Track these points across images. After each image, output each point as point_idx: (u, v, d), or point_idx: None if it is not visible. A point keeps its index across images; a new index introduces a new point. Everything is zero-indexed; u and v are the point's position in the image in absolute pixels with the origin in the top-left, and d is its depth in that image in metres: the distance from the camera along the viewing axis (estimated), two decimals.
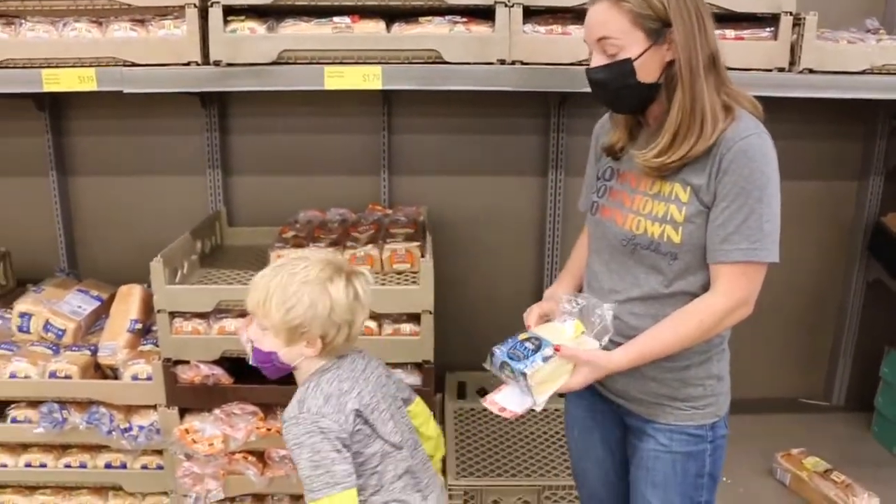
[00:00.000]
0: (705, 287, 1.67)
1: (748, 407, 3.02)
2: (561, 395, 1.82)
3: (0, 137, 3.28)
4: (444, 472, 2.64)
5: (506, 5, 2.26)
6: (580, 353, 1.69)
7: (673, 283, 1.69)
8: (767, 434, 3.03)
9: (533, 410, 1.70)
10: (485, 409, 3.02)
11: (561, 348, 1.68)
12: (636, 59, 1.60)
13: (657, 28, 1.58)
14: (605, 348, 1.72)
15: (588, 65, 1.70)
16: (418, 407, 2.11)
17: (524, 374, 1.67)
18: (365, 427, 1.81)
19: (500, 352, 1.72)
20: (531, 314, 1.89)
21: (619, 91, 1.67)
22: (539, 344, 1.70)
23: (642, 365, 1.71)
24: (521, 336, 1.75)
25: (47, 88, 2.35)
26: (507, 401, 1.73)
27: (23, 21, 2.40)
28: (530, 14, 2.32)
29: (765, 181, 1.58)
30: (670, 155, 1.62)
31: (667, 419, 1.77)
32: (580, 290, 1.94)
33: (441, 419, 2.95)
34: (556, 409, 3.06)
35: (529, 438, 2.92)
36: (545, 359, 1.68)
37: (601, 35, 1.63)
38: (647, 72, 1.62)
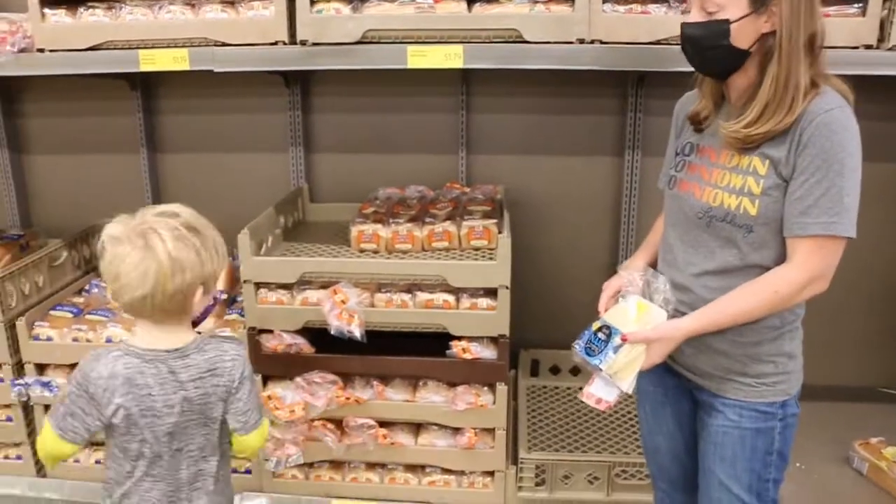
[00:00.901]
0: (779, 262, 1.68)
1: (824, 394, 2.98)
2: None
3: (95, 116, 3.43)
4: (515, 445, 2.69)
5: None
6: (648, 332, 1.74)
7: (747, 257, 1.70)
8: (843, 422, 2.97)
9: (627, 394, 1.77)
10: (556, 387, 3.12)
11: (628, 336, 1.74)
12: (734, 21, 1.61)
13: None
14: (673, 316, 1.76)
15: (683, 25, 1.72)
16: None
17: (600, 369, 1.74)
18: None
19: (578, 346, 1.81)
20: (603, 297, 1.93)
21: (709, 50, 1.68)
22: (609, 333, 1.76)
23: (713, 331, 1.73)
24: (594, 326, 1.81)
25: (144, 68, 2.46)
26: (599, 391, 1.80)
27: (123, 5, 2.52)
28: None
29: (845, 156, 1.58)
30: (757, 127, 1.63)
31: (736, 395, 1.78)
32: (656, 263, 1.96)
33: (514, 395, 2.99)
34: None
35: (600, 417, 2.94)
36: (615, 349, 1.75)
37: None
38: (742, 37, 1.62)
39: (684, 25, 1.71)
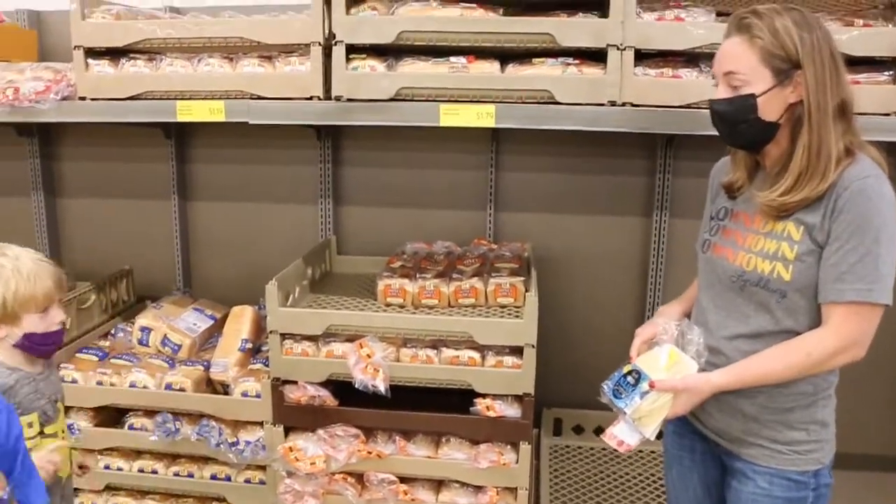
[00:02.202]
0: (813, 328, 1.67)
1: (856, 463, 2.93)
2: (658, 437, 1.85)
3: (130, 163, 3.50)
4: None
5: (618, 48, 2.29)
6: (676, 382, 1.73)
7: (781, 322, 1.69)
8: (877, 493, 2.92)
9: (647, 440, 1.77)
10: (580, 447, 3.08)
11: (656, 383, 1.74)
12: (759, 95, 1.63)
13: (786, 69, 1.61)
14: (703, 370, 1.74)
15: (711, 98, 1.74)
16: None
17: (625, 412, 1.74)
18: None
19: (606, 387, 1.81)
20: (635, 342, 1.92)
21: (738, 125, 1.69)
22: (638, 378, 1.76)
23: (742, 390, 1.72)
24: (625, 369, 1.82)
25: (181, 118, 2.51)
26: (622, 433, 1.80)
27: (163, 56, 2.58)
28: (641, 57, 2.34)
29: (881, 222, 1.58)
30: (793, 195, 1.63)
31: (768, 462, 1.76)
32: (688, 317, 1.95)
33: (536, 454, 2.96)
34: (651, 451, 3.04)
35: (624, 479, 2.91)
36: (642, 395, 1.75)
37: (729, 69, 1.67)
38: (769, 110, 1.64)
39: (712, 102, 1.73)
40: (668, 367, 1.76)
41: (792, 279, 1.65)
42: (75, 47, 2.58)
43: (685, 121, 2.28)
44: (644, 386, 1.75)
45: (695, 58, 2.36)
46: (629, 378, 1.79)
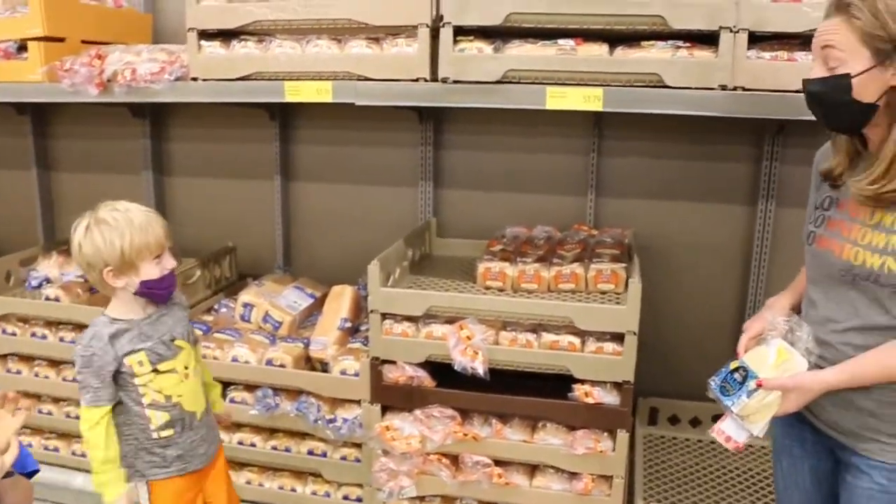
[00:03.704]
0: None
1: None
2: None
3: (236, 144, 3.59)
4: (631, 495, 2.62)
5: (731, 31, 2.23)
6: (785, 380, 1.69)
7: (895, 316, 1.62)
8: None
9: (758, 437, 1.74)
10: (675, 437, 3.04)
11: (764, 382, 1.70)
12: (855, 75, 1.55)
13: (887, 49, 1.53)
14: (814, 368, 1.70)
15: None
16: None
17: (732, 410, 1.70)
18: None
19: (713, 384, 1.79)
20: (743, 338, 1.87)
21: (831, 106, 1.63)
22: (746, 375, 1.74)
23: (855, 387, 1.66)
24: (732, 365, 1.78)
25: (289, 99, 2.56)
26: (731, 430, 1.77)
27: (273, 38, 2.63)
28: (755, 40, 2.27)
29: None
30: (884, 184, 1.57)
31: (884, 457, 1.70)
32: (798, 308, 1.90)
33: (630, 443, 2.92)
34: (748, 446, 2.96)
35: (720, 472, 2.85)
36: (749, 393, 1.71)
37: (826, 43, 1.59)
38: (865, 91, 1.56)
39: (805, 81, 1.67)
40: (777, 364, 1.72)
41: None
42: (189, 29, 2.65)
43: (798, 106, 2.17)
44: (752, 384, 1.71)
45: (810, 40, 2.24)
46: (736, 375, 1.75)
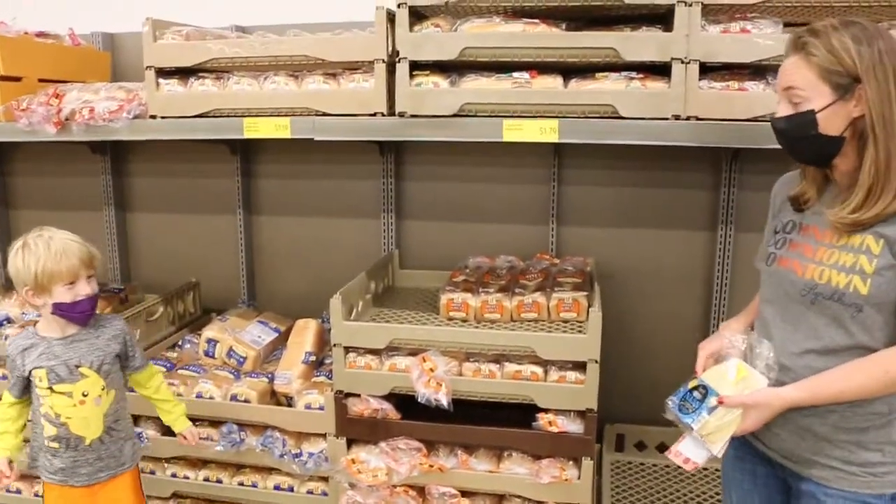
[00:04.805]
0: (890, 344, 1.63)
1: None
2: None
3: (197, 179, 3.59)
4: None
5: (682, 62, 2.27)
6: (746, 397, 1.71)
7: (855, 336, 1.65)
8: None
9: (716, 458, 1.75)
10: (642, 463, 3.05)
11: (725, 399, 1.71)
12: (819, 111, 1.61)
13: (846, 83, 1.58)
14: (772, 385, 1.71)
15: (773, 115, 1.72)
16: None
17: (691, 428, 1.72)
18: None
19: (672, 403, 1.79)
20: (700, 356, 1.89)
21: (799, 141, 1.67)
22: (705, 393, 1.74)
23: (812, 407, 1.68)
24: (691, 384, 1.79)
25: (248, 135, 2.57)
26: (689, 450, 1.77)
27: (230, 75, 2.64)
28: (706, 70, 2.32)
29: None
30: (864, 212, 1.60)
31: (840, 484, 1.71)
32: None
33: (598, 470, 2.93)
34: (716, 469, 2.98)
35: (688, 498, 2.86)
36: (710, 410, 1.73)
37: (788, 85, 1.65)
38: (831, 125, 1.61)
39: (773, 120, 1.72)
40: (737, 381, 1.73)
41: (869, 293, 1.61)
42: (147, 67, 2.66)
43: (751, 134, 2.24)
44: (712, 401, 1.72)
45: (761, 70, 2.31)
46: (696, 393, 1.76)
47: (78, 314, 2.27)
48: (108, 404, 2.35)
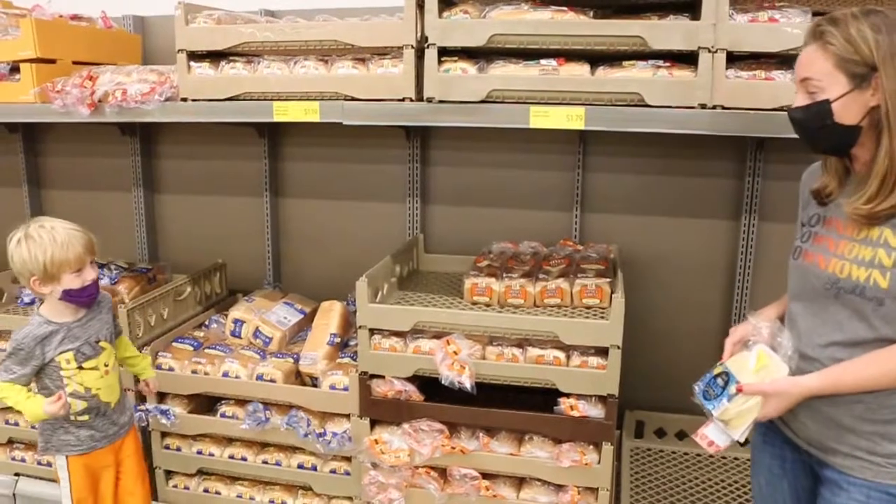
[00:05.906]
0: None
1: None
2: (742, 444, 1.86)
3: (225, 160, 3.63)
4: None
5: (709, 51, 2.27)
6: (765, 386, 1.72)
7: (879, 330, 1.65)
8: None
9: (736, 442, 1.78)
10: (661, 450, 3.07)
11: (744, 387, 1.73)
12: (835, 100, 1.61)
13: (863, 73, 1.58)
14: (794, 373, 1.73)
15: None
16: None
17: (713, 414, 1.74)
18: None
19: (697, 388, 1.81)
20: (728, 342, 1.90)
21: (816, 131, 1.68)
22: (727, 380, 1.76)
23: (833, 395, 1.69)
24: (715, 370, 1.82)
25: (277, 118, 2.60)
26: (713, 434, 1.80)
27: (261, 59, 2.68)
28: (734, 59, 2.32)
29: None
30: (878, 203, 1.61)
31: (864, 474, 1.72)
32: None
33: (617, 456, 2.95)
34: (734, 458, 3.01)
35: (707, 485, 2.88)
36: (730, 398, 1.74)
37: (805, 75, 1.66)
38: (847, 114, 1.62)
39: (789, 110, 1.73)
40: (758, 369, 1.75)
41: (889, 287, 1.61)
42: (179, 51, 2.69)
43: (777, 123, 2.23)
44: (732, 389, 1.75)
45: (788, 59, 2.30)
46: (719, 380, 1.78)
47: (86, 298, 2.40)
48: (116, 368, 2.56)
